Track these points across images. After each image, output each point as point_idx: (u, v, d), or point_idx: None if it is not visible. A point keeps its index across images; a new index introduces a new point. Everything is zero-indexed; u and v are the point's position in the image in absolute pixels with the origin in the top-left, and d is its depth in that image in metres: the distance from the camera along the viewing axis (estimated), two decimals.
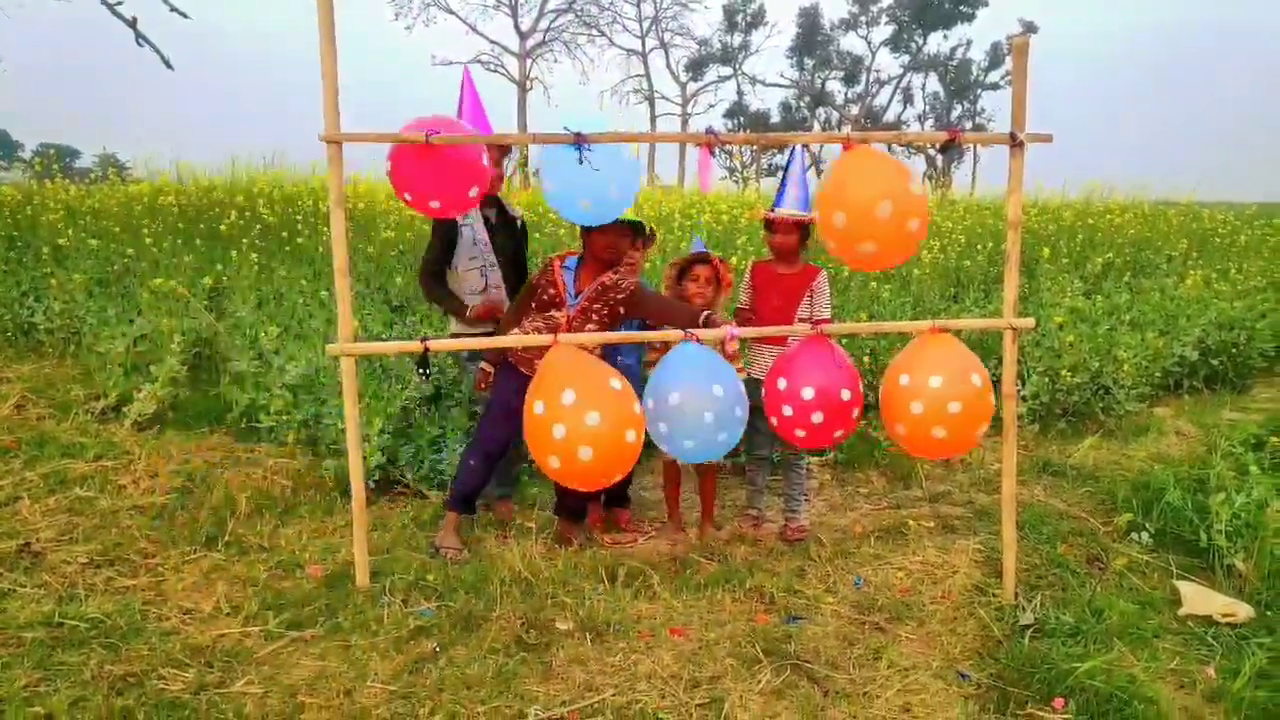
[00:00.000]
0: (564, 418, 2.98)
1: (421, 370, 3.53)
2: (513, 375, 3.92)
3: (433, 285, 4.23)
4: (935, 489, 4.98)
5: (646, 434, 3.26)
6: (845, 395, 3.38)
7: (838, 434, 3.50)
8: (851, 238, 3.23)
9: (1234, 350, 7.35)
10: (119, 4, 8.07)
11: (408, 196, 3.34)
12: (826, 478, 5.20)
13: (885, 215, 3.12)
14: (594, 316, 3.80)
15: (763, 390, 3.65)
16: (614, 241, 3.76)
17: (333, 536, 4.10)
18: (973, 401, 3.20)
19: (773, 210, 4.08)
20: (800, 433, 3.45)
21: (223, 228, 8.74)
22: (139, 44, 9.93)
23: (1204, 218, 14.11)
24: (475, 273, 4.22)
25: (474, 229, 4.21)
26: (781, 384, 3.44)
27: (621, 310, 3.82)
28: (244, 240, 8.41)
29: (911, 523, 4.30)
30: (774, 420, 3.52)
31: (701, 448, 3.32)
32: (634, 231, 3.90)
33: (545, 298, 3.83)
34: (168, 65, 10.64)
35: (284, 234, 8.74)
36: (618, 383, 3.12)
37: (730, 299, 4.27)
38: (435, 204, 3.35)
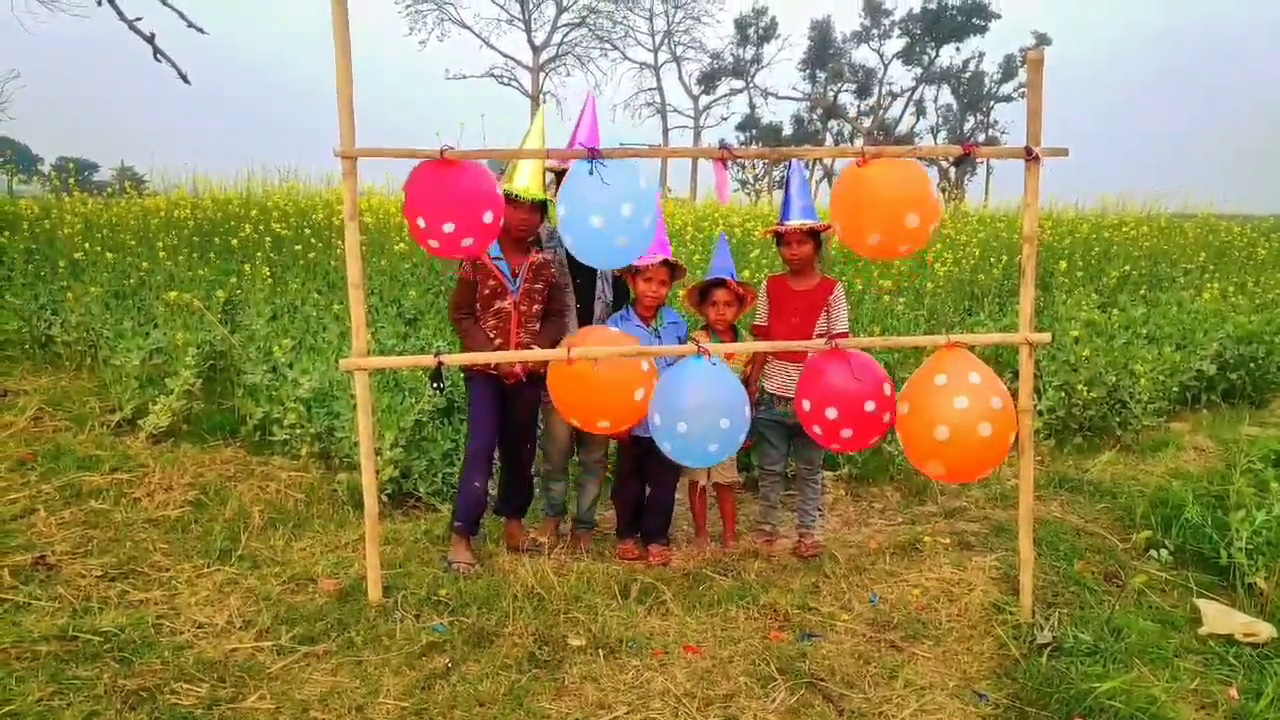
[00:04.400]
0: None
1: (435, 384, 3.54)
2: (490, 382, 3.99)
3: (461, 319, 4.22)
4: (951, 504, 4.94)
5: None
6: (870, 407, 3.38)
7: (874, 440, 3.58)
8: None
9: (1252, 365, 7.28)
10: (138, 20, 8.15)
11: (421, 222, 3.27)
12: (840, 493, 5.17)
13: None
14: (537, 296, 4.00)
15: (786, 405, 3.84)
16: (526, 218, 3.90)
17: (345, 550, 4.10)
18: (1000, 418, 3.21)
19: (781, 224, 4.08)
20: (835, 446, 3.59)
21: (234, 242, 8.78)
22: (156, 59, 10.03)
23: (1221, 230, 14.00)
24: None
25: (556, 250, 4.21)
26: (806, 406, 3.51)
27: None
28: (257, 254, 8.46)
29: (927, 539, 4.26)
30: (816, 430, 3.57)
31: (698, 464, 3.66)
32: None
33: (487, 290, 3.93)
34: (185, 80, 10.74)
35: (297, 247, 8.78)
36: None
37: (750, 314, 4.27)
38: (449, 227, 3.27)
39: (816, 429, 3.52)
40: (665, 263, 3.99)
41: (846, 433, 3.44)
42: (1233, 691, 2.98)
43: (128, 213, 10.51)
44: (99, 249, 8.49)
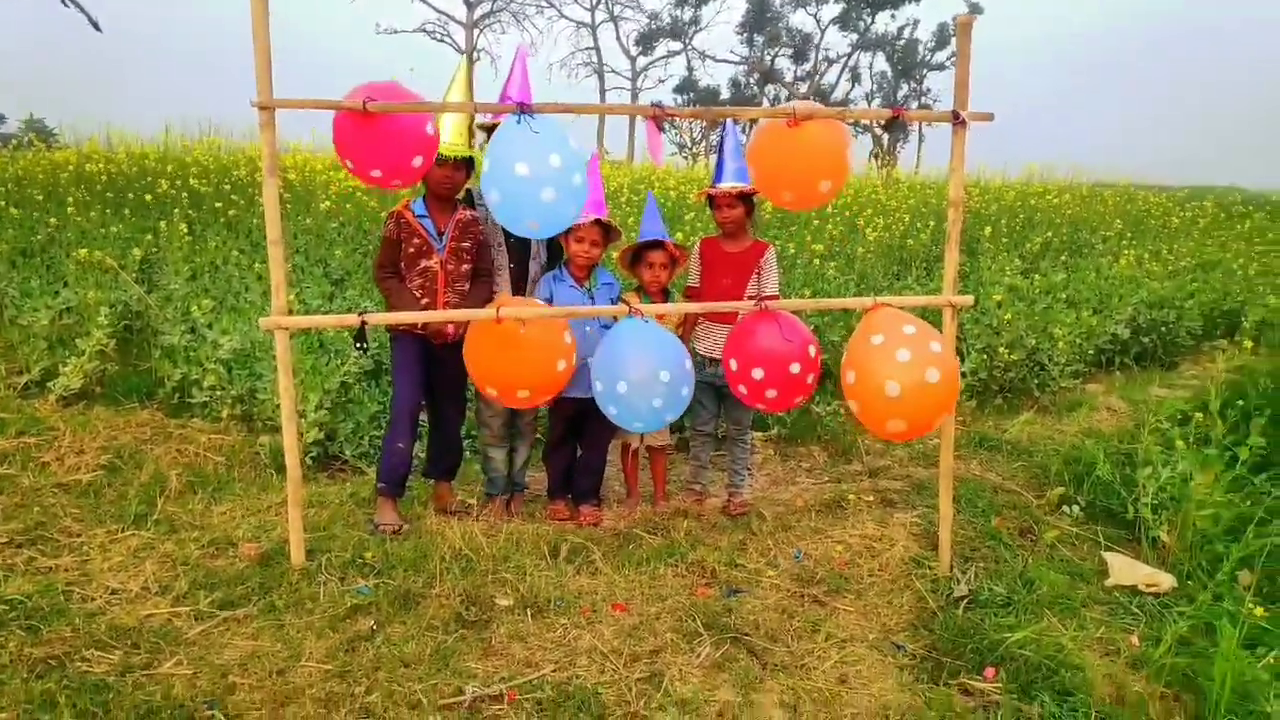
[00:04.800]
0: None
1: (359, 344, 3.46)
2: (416, 342, 3.93)
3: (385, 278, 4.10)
4: (875, 464, 5.05)
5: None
6: (795, 369, 3.42)
7: (798, 400, 3.63)
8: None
9: (1163, 329, 7.58)
10: None
11: (349, 163, 3.25)
12: (769, 452, 5.25)
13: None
14: (465, 255, 3.93)
15: (715, 366, 3.87)
16: (450, 175, 3.82)
17: (268, 514, 4.01)
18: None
19: (713, 187, 4.07)
20: (761, 406, 3.63)
21: (149, 198, 8.43)
22: (65, 4, 9.50)
23: (1139, 200, 14.48)
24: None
25: (488, 211, 4.10)
26: (733, 365, 3.54)
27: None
28: (175, 211, 8.15)
29: (851, 497, 4.35)
30: (741, 390, 3.60)
31: (648, 426, 3.49)
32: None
33: (412, 249, 3.85)
34: (96, 27, 10.22)
35: (218, 205, 8.48)
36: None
37: (681, 276, 4.27)
38: (376, 173, 3.24)
39: (742, 388, 3.56)
40: (599, 223, 3.94)
41: (771, 393, 3.50)
42: (1134, 638, 3.12)
43: (35, 166, 10.02)
44: (3, 204, 8.08)
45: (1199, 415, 4.77)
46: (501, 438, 4.23)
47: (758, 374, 3.46)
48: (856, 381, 3.23)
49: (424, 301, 3.84)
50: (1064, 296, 7.54)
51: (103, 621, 3.02)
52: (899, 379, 3.09)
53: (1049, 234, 10.59)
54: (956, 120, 3.37)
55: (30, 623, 2.98)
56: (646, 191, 4.39)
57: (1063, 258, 9.83)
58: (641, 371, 3.28)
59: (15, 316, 5.89)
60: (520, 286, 4.11)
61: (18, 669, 2.71)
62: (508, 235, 4.10)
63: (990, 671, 2.90)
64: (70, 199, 8.40)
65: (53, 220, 7.74)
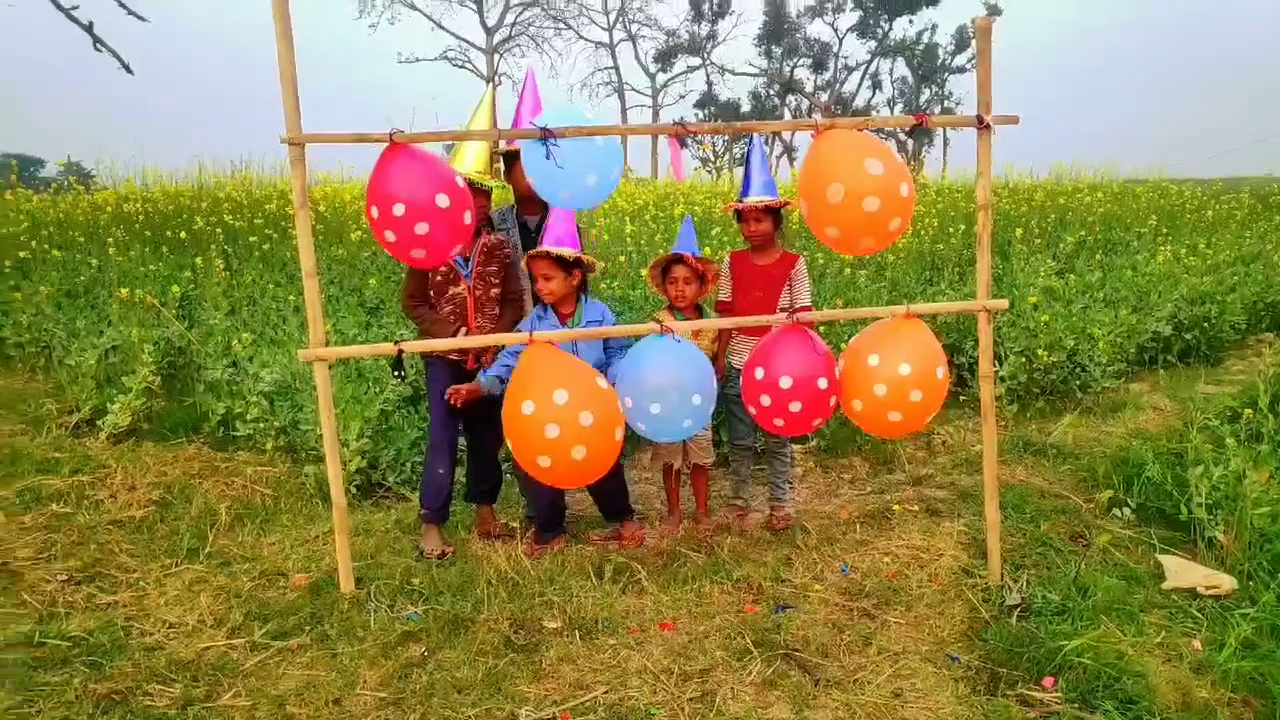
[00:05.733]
0: (557, 418, 3.04)
1: (396, 373, 3.50)
2: (446, 369, 3.95)
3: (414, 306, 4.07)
4: (918, 472, 5.01)
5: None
6: (823, 384, 3.38)
7: (816, 422, 3.51)
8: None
9: (1206, 324, 7.45)
10: (74, 8, 7.91)
11: (375, 212, 3.12)
12: (810, 465, 5.21)
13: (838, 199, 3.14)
14: (492, 279, 3.95)
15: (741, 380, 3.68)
16: (478, 204, 3.77)
17: (316, 543, 4.06)
18: (933, 391, 3.29)
19: (741, 201, 4.07)
20: (779, 421, 3.46)
21: (184, 235, 8.60)
22: (97, 49, 9.75)
23: (1172, 194, 14.26)
24: None
25: (510, 233, 4.16)
26: (759, 373, 3.42)
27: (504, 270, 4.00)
28: (211, 246, 8.30)
29: (896, 507, 4.32)
30: (752, 410, 3.52)
31: (675, 439, 3.58)
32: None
33: (440, 277, 3.88)
34: (127, 70, 10.46)
35: (252, 239, 8.63)
36: (603, 382, 3.23)
37: (714, 293, 4.26)
38: (400, 209, 3.07)
39: (764, 399, 3.40)
40: (548, 255, 3.71)
41: (795, 405, 3.35)
42: (1196, 643, 3.06)
43: (75, 208, 10.26)
44: (46, 247, 8.28)
45: (1248, 411, 4.69)
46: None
47: (786, 383, 3.34)
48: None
49: (457, 327, 3.87)
50: (1101, 296, 7.43)
51: (162, 656, 3.08)
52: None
53: (1082, 233, 10.45)
54: (981, 125, 3.35)
55: (93, 659, 3.04)
56: (686, 216, 4.36)
57: (1098, 256, 9.69)
58: (674, 396, 3.28)
59: (63, 357, 6.03)
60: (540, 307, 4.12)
61: (84, 705, 2.76)
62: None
63: (1049, 681, 2.86)
64: (111, 239, 8.58)
65: (94, 261, 7.92)
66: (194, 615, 3.37)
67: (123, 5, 8.07)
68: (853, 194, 3.09)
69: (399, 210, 3.06)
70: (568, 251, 3.73)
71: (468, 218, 3.19)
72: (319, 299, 3.30)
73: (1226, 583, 3.41)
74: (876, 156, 3.13)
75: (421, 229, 3.07)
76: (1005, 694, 2.84)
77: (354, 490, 4.63)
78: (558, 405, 3.04)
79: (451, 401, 3.77)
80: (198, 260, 7.61)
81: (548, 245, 3.71)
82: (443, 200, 3.10)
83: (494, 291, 3.98)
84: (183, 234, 8.68)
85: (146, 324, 6.24)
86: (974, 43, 3.52)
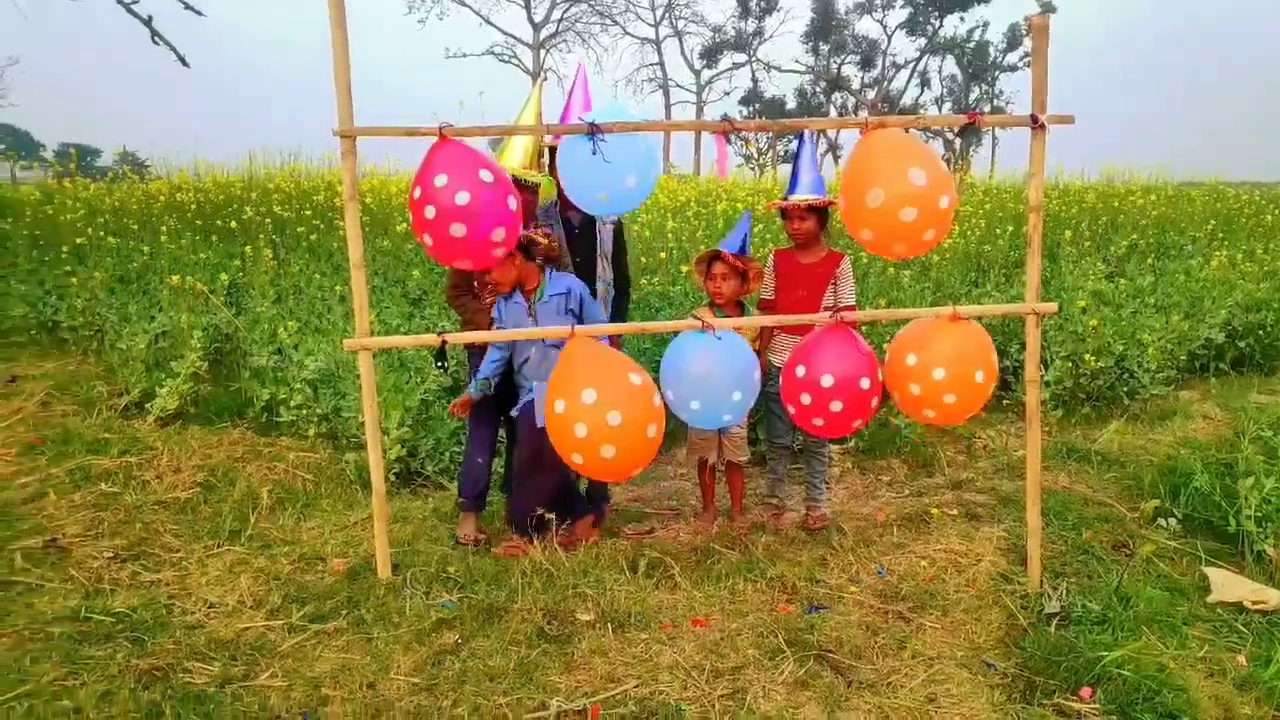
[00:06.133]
0: (585, 417, 3.07)
1: (439, 363, 3.54)
2: (484, 409, 4.00)
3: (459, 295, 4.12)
4: (958, 476, 4.94)
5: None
6: (865, 384, 3.36)
7: (856, 423, 3.49)
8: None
9: (1261, 332, 7.23)
10: (134, 3, 8.10)
11: (418, 192, 3.13)
12: (848, 465, 5.17)
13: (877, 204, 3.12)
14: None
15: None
16: (524, 199, 3.74)
17: (355, 529, 4.11)
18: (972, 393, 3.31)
19: (786, 198, 4.04)
20: (818, 421, 3.43)
21: (234, 225, 8.77)
22: (155, 42, 9.98)
23: (1229, 198, 13.88)
24: None
25: (555, 230, 4.13)
26: (800, 371, 3.41)
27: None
28: (260, 236, 8.46)
29: (934, 510, 4.26)
30: (791, 409, 3.51)
31: (714, 427, 3.71)
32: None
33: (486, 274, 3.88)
34: (184, 63, 10.70)
35: (300, 229, 8.77)
36: (637, 378, 3.20)
37: (757, 291, 4.23)
38: (442, 180, 3.07)
39: (805, 397, 3.39)
40: None
41: (836, 405, 3.33)
42: (1241, 659, 2.98)
43: (130, 197, 10.50)
44: (102, 234, 8.50)
45: None
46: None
47: (827, 381, 3.32)
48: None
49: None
50: (1152, 301, 7.26)
51: (202, 634, 3.14)
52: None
53: (1134, 236, 10.22)
54: (1035, 124, 3.29)
55: (135, 635, 3.11)
56: (745, 211, 4.32)
57: (1149, 260, 9.47)
58: (714, 392, 3.29)
59: (115, 341, 6.18)
60: None
61: (126, 679, 2.84)
62: (574, 256, 4.14)
63: (1087, 691, 2.80)
64: (163, 227, 8.78)
65: (147, 248, 8.10)
66: (234, 596, 3.43)
67: (181, 0, 8.25)
68: (892, 200, 3.07)
69: (440, 180, 3.05)
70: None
71: (512, 203, 3.18)
72: (365, 290, 3.34)
73: (1274, 598, 3.32)
74: (921, 166, 3.09)
75: (462, 199, 3.03)
76: (1042, 703, 2.80)
77: (393, 478, 4.69)
78: (585, 404, 3.07)
79: (454, 415, 3.91)
80: (246, 249, 7.75)
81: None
82: (486, 175, 3.10)
83: None
84: (233, 223, 8.85)
85: (195, 310, 6.37)
86: (1028, 40, 3.46)
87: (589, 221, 4.18)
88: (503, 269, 3.72)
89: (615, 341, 4.19)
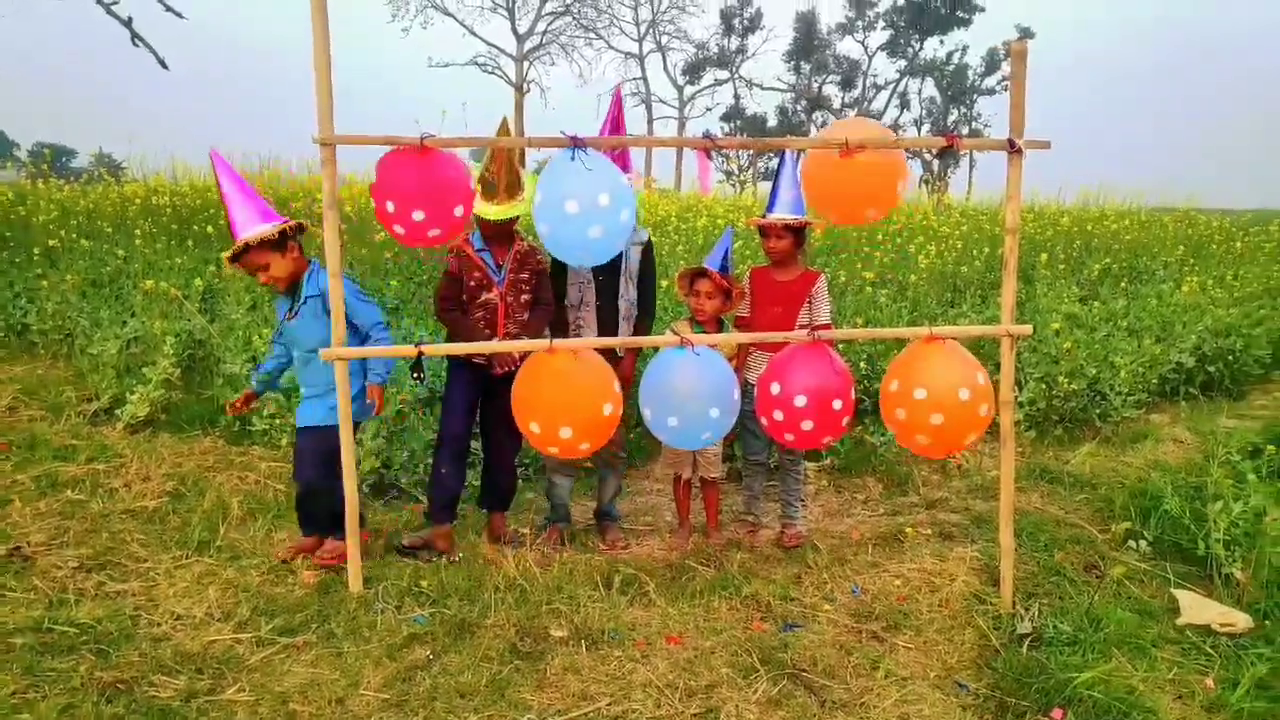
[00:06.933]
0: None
1: (415, 374, 3.51)
2: (466, 372, 3.97)
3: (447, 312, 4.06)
4: (932, 495, 4.96)
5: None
6: (837, 405, 3.36)
7: (826, 440, 3.52)
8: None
9: (1230, 357, 7.35)
10: (114, 3, 8.03)
11: (390, 207, 3.18)
12: (823, 483, 5.18)
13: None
14: (523, 287, 3.96)
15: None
16: (495, 228, 3.84)
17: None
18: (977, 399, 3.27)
19: (764, 216, 4.06)
20: (789, 436, 3.47)
21: (211, 230, 8.69)
22: (135, 44, 9.90)
23: (1200, 224, 14.13)
24: (574, 288, 4.12)
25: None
26: (775, 389, 3.42)
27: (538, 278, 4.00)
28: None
29: (909, 530, 4.28)
30: (764, 421, 3.52)
31: (693, 448, 3.65)
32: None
33: (473, 283, 3.90)
34: (163, 65, 10.61)
35: None
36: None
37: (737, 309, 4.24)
38: (419, 215, 3.17)
39: (777, 414, 3.40)
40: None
41: (808, 424, 3.36)
42: (1209, 681, 3.01)
43: (105, 199, 10.39)
44: (75, 236, 8.40)
45: (1270, 448, 4.63)
46: (567, 464, 4.23)
47: (800, 401, 3.34)
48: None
49: (486, 334, 3.88)
50: (1125, 324, 7.36)
51: (169, 647, 3.09)
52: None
53: (1108, 260, 10.37)
54: (1012, 149, 3.33)
55: (100, 647, 3.05)
56: (727, 227, 4.33)
57: (1122, 284, 9.61)
58: (692, 408, 3.28)
59: (86, 346, 6.09)
60: (610, 323, 4.10)
61: (89, 692, 2.77)
62: (596, 273, 4.09)
63: (1058, 713, 2.82)
64: (138, 231, 8.69)
65: (121, 252, 8.01)
66: (202, 608, 3.38)
67: (161, 1, 8.18)
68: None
69: (418, 216, 3.18)
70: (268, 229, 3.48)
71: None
72: (342, 299, 3.32)
73: (1242, 621, 3.36)
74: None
75: (434, 233, 3.20)
76: None
77: (366, 490, 4.64)
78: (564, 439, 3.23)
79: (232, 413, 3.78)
80: (222, 254, 7.67)
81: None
82: (459, 211, 3.21)
83: (525, 299, 3.98)
84: (209, 228, 8.77)
85: (169, 316, 6.30)
86: (1006, 65, 3.50)
87: None
88: (281, 267, 3.47)
89: (630, 356, 4.19)
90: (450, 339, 3.97)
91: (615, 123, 4.01)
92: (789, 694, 2.95)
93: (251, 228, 3.47)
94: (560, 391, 3.22)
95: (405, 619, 3.33)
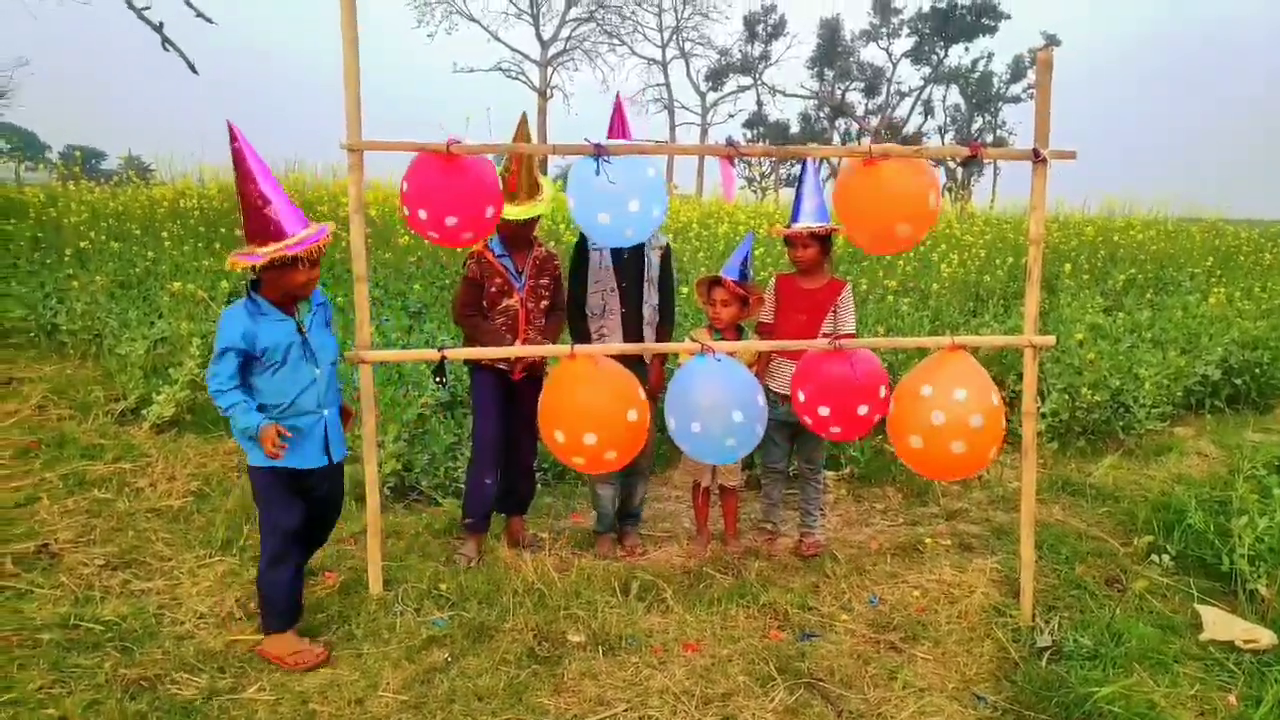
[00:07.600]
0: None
1: (437, 379, 3.54)
2: (490, 376, 3.97)
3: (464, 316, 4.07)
4: (952, 506, 4.93)
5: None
6: (862, 410, 3.38)
7: (867, 432, 3.61)
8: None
9: (1257, 370, 7.25)
10: (146, 9, 8.15)
11: (423, 214, 3.24)
12: (842, 492, 5.16)
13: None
14: (543, 292, 4.00)
15: (789, 404, 3.78)
16: (516, 230, 3.87)
17: (347, 543, 4.10)
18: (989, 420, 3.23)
19: (789, 226, 4.06)
20: (828, 434, 3.62)
21: (237, 232, 8.78)
22: (165, 49, 10.04)
23: (1228, 235, 13.96)
24: (597, 296, 4.11)
25: (603, 254, 4.08)
26: (801, 397, 3.53)
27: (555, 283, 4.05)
28: None
29: (928, 540, 4.26)
30: (808, 420, 3.59)
31: (722, 460, 3.60)
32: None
33: (494, 289, 3.91)
34: (193, 70, 10.76)
35: None
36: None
37: (757, 315, 4.24)
38: (452, 220, 3.24)
39: (807, 419, 3.58)
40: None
41: (835, 429, 3.51)
42: (1232, 698, 2.97)
43: (134, 202, 10.54)
44: (104, 238, 8.52)
45: None
46: (608, 474, 4.22)
47: (824, 410, 3.43)
48: (893, 417, 3.41)
49: (508, 338, 3.90)
50: (1149, 336, 7.29)
51: (191, 645, 3.13)
52: (924, 435, 3.24)
53: (1132, 270, 10.27)
54: (1037, 158, 3.32)
55: (124, 644, 3.10)
56: (748, 233, 4.32)
57: (1147, 295, 9.52)
58: (715, 414, 3.27)
59: (114, 346, 6.18)
60: (634, 330, 4.09)
61: (113, 688, 2.82)
62: (619, 280, 4.07)
63: None
64: (166, 233, 8.81)
65: (149, 254, 8.13)
66: (224, 607, 3.42)
67: (191, 6, 8.30)
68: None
69: (451, 221, 3.25)
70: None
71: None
72: (368, 303, 3.36)
73: (1266, 638, 3.31)
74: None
75: (467, 235, 3.27)
76: None
77: (387, 492, 4.68)
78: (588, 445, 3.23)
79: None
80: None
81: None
82: (490, 212, 3.22)
83: (544, 304, 4.00)
84: (236, 231, 8.87)
85: (195, 318, 6.38)
86: (1032, 73, 3.49)
87: (638, 245, 4.03)
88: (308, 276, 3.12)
89: (658, 362, 4.18)
90: (469, 344, 3.99)
91: (620, 133, 3.98)
92: (806, 703, 2.94)
93: (300, 228, 3.08)
94: (583, 398, 3.24)
95: (424, 622, 3.35)
